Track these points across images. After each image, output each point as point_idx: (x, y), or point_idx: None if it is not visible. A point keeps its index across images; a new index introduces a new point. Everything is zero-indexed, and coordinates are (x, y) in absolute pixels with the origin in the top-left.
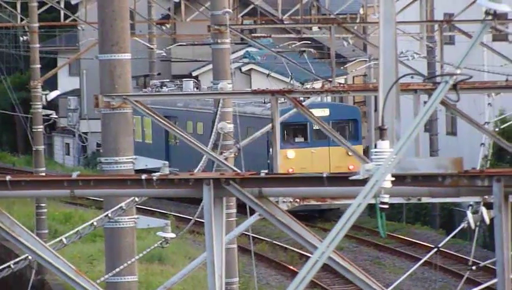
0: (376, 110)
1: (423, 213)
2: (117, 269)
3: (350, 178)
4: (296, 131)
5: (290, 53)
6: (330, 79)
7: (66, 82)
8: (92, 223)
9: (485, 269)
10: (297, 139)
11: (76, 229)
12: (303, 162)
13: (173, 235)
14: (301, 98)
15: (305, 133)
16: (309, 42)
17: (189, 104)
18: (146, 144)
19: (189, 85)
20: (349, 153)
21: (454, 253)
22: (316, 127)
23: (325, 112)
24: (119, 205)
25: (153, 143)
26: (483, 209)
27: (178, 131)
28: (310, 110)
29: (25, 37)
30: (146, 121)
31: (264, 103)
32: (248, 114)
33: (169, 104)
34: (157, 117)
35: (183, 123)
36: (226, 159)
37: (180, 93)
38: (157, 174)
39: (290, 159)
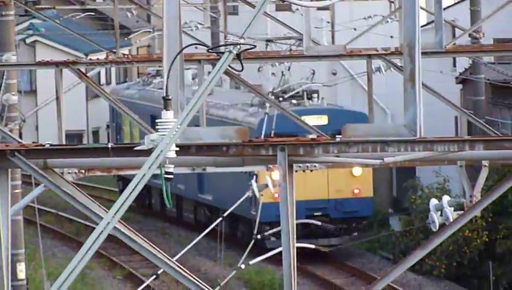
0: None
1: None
2: None
3: (135, 148)
4: None
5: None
6: (114, 50)
7: None
8: None
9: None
10: None
11: None
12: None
13: None
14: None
15: None
16: (93, 13)
17: None
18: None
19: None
20: (355, 174)
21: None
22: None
23: (323, 120)
24: None
25: None
26: (269, 179)
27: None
28: (305, 116)
29: None
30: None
31: (252, 105)
32: (229, 119)
33: (157, 102)
34: None
35: None
36: (11, 130)
37: None
38: None
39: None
